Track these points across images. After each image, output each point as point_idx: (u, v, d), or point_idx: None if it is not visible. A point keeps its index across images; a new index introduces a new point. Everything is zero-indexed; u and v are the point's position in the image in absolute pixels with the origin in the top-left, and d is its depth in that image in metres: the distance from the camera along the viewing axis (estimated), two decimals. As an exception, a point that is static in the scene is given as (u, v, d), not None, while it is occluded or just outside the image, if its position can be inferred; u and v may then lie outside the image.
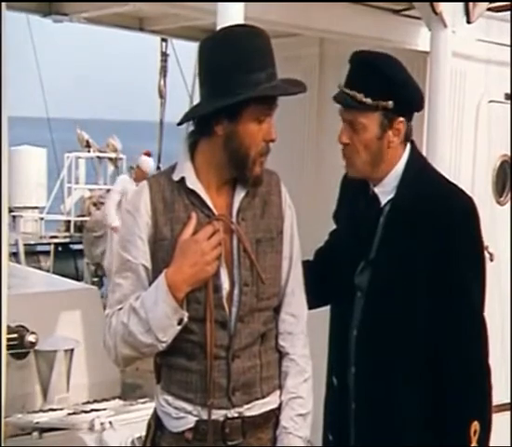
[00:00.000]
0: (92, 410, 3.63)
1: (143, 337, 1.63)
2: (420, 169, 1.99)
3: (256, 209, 1.72)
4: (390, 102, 1.88)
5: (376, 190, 1.99)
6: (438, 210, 1.90)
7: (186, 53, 6.44)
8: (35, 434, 3.94)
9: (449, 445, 1.87)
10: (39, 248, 10.20)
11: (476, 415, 1.86)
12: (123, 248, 1.70)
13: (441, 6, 3.03)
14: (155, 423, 1.77)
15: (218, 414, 1.67)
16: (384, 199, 1.97)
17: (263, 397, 1.72)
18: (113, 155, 11.17)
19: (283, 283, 1.77)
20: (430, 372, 1.89)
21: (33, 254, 9.93)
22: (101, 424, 3.39)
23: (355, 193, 2.05)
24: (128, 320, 1.64)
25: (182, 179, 1.69)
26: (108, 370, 5.05)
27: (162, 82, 7.09)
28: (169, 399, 1.73)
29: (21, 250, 9.07)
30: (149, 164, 7.90)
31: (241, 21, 2.20)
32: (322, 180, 3.95)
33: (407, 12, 3.39)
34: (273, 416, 1.74)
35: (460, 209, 1.93)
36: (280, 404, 1.75)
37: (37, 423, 3.87)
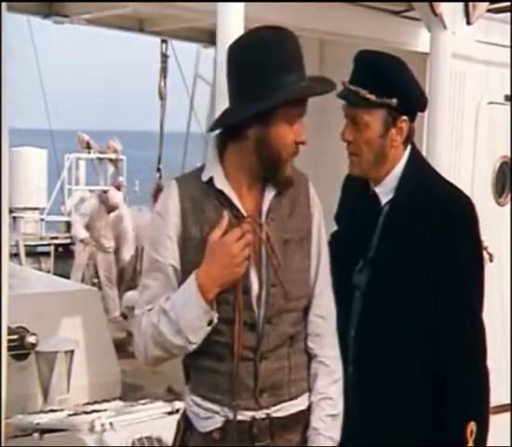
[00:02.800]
0: (93, 411, 3.63)
1: (174, 338, 1.63)
2: (419, 170, 1.99)
3: (285, 210, 1.72)
4: (394, 100, 1.88)
5: (377, 190, 1.98)
6: (437, 211, 1.90)
7: (186, 55, 6.43)
8: (36, 435, 3.94)
9: (445, 445, 1.87)
10: (39, 249, 10.18)
11: (473, 416, 1.86)
12: (152, 248, 1.70)
13: (441, 8, 3.03)
14: (185, 423, 1.77)
15: (246, 415, 1.67)
16: (384, 199, 1.97)
17: (292, 399, 1.71)
18: (113, 156, 11.17)
19: (311, 284, 1.75)
20: (429, 371, 1.89)
21: (33, 255, 9.92)
22: (102, 425, 3.38)
23: (356, 194, 2.05)
24: (158, 321, 1.64)
25: (211, 179, 1.68)
26: (108, 371, 5.05)
27: (162, 83, 7.08)
28: (198, 399, 1.72)
29: (22, 250, 9.07)
30: (117, 197, 8.10)
31: (241, 22, 2.20)
32: (321, 180, 3.94)
33: (407, 13, 3.39)
34: (302, 418, 1.72)
35: (458, 210, 1.92)
36: (310, 406, 1.73)
37: (38, 424, 3.86)
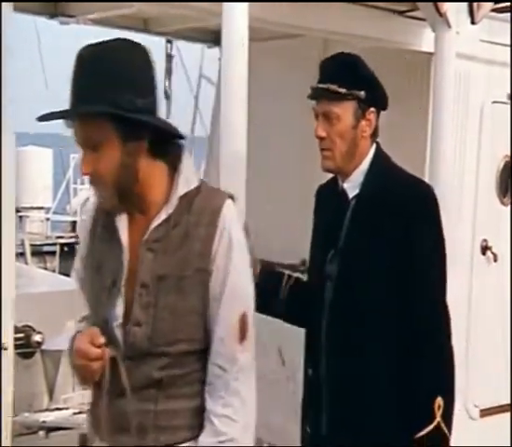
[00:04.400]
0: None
1: None
2: (384, 165, 2.08)
3: (174, 241, 1.49)
4: (362, 92, 1.99)
5: (345, 185, 2.07)
6: (398, 199, 1.99)
7: (191, 55, 6.45)
8: (41, 433, 3.95)
9: (414, 420, 1.91)
10: (45, 248, 10.20)
11: (439, 391, 1.92)
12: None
13: (446, 7, 3.02)
14: None
15: None
16: (351, 194, 2.05)
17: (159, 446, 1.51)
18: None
19: (210, 328, 1.51)
20: (397, 353, 1.95)
21: (39, 254, 9.93)
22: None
23: (327, 195, 2.17)
24: None
25: None
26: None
27: (167, 83, 7.09)
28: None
29: (28, 250, 9.08)
30: None
31: (246, 23, 2.20)
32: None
33: (411, 13, 3.38)
34: None
35: (417, 197, 2.02)
36: None
37: (44, 422, 3.87)
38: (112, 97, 1.43)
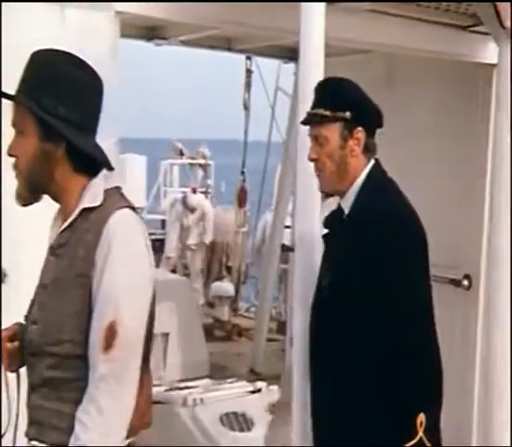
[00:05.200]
0: (185, 387, 3.69)
1: None
2: (377, 184, 1.94)
3: (70, 247, 1.45)
4: (347, 113, 1.92)
5: (341, 203, 1.98)
6: (370, 222, 1.85)
7: (269, 70, 6.47)
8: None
9: (397, 436, 1.80)
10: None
11: (422, 408, 1.79)
12: None
13: (509, 21, 2.90)
14: None
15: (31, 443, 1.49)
16: (346, 212, 1.96)
17: (52, 444, 1.45)
18: (202, 161, 11.34)
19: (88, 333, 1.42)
20: (383, 369, 1.81)
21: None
22: (194, 400, 3.43)
23: (332, 215, 2.06)
24: None
25: None
26: (198, 352, 5.12)
27: (246, 96, 7.16)
28: None
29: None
30: (194, 199, 8.18)
31: (322, 41, 2.18)
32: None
33: (475, 28, 3.28)
34: None
35: (381, 228, 1.82)
36: None
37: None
38: (37, 96, 1.43)
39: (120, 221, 1.42)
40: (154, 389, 4.13)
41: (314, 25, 2.16)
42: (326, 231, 2.05)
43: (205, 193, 9.69)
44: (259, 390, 3.62)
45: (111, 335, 1.37)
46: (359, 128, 1.93)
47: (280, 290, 7.14)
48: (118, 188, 1.51)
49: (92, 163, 1.48)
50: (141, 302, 1.43)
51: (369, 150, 1.96)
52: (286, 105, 5.76)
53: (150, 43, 3.75)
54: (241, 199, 7.76)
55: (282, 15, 2.74)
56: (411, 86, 3.89)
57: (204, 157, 11.38)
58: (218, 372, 5.01)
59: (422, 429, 1.78)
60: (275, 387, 3.68)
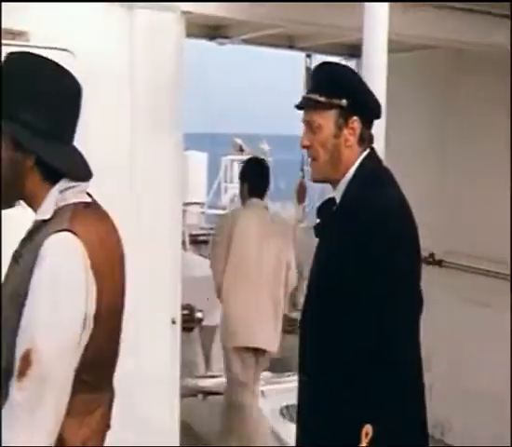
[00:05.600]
0: (247, 379, 3.74)
1: None
2: (370, 174, 1.84)
3: (25, 257, 1.39)
4: (343, 101, 1.82)
5: (334, 193, 1.89)
6: (359, 212, 1.75)
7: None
8: (200, 396, 4.12)
9: (340, 443, 1.73)
10: (200, 237, 10.60)
11: (369, 419, 1.69)
12: None
13: None
14: None
15: None
16: (338, 201, 1.87)
17: None
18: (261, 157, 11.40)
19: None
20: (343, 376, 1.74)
21: (195, 243, 10.34)
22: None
23: (325, 204, 1.97)
24: None
25: None
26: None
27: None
28: None
29: (187, 239, 9.48)
30: None
31: (385, 37, 2.17)
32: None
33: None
34: None
35: (361, 221, 1.73)
36: None
37: (202, 387, 4.04)
38: (6, 104, 1.37)
39: (53, 245, 1.34)
40: (216, 381, 4.21)
41: (377, 23, 2.16)
42: (318, 221, 1.96)
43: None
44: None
45: (25, 364, 1.30)
46: (355, 118, 1.83)
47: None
48: (79, 204, 1.42)
49: (61, 173, 1.42)
50: (64, 331, 1.32)
51: (364, 141, 1.86)
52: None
53: (213, 42, 3.80)
54: (300, 195, 7.75)
55: (344, 13, 2.74)
56: (478, 79, 3.82)
57: (264, 154, 11.42)
58: (278, 365, 5.05)
59: (366, 440, 1.68)
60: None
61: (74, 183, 1.43)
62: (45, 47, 2.43)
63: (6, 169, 1.40)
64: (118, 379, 1.50)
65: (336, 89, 1.83)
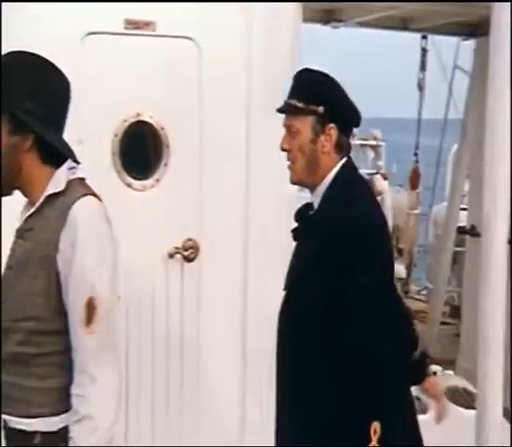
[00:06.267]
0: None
1: None
2: (344, 183, 1.88)
3: (36, 231, 1.52)
4: (320, 108, 1.87)
5: (312, 198, 1.93)
6: (331, 221, 1.81)
7: (445, 48, 6.22)
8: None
9: (350, 442, 1.71)
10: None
11: (376, 416, 1.69)
12: None
13: None
14: None
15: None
16: (315, 207, 1.91)
17: (20, 416, 1.52)
18: (373, 142, 11.20)
19: (55, 311, 1.50)
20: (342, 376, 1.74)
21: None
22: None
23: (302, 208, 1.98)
24: None
25: None
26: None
27: (421, 75, 6.94)
28: None
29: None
30: (383, 185, 7.89)
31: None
32: None
33: None
34: (31, 438, 1.50)
35: (342, 224, 1.79)
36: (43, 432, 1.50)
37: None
38: (7, 92, 1.49)
39: (84, 207, 1.50)
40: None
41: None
42: (295, 225, 2.00)
43: (374, 174, 9.56)
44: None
45: (91, 311, 1.48)
46: (332, 125, 1.88)
47: (453, 273, 6.92)
48: (83, 179, 1.58)
49: (59, 155, 1.55)
50: (110, 276, 1.52)
51: (342, 148, 1.91)
52: (463, 83, 5.52)
53: (327, 26, 3.79)
54: (414, 181, 7.58)
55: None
56: None
57: (375, 139, 11.23)
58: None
59: (376, 438, 1.68)
60: (450, 372, 3.60)
61: (74, 164, 1.57)
62: (170, 36, 2.56)
63: (6, 153, 1.51)
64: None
65: (314, 96, 1.89)
